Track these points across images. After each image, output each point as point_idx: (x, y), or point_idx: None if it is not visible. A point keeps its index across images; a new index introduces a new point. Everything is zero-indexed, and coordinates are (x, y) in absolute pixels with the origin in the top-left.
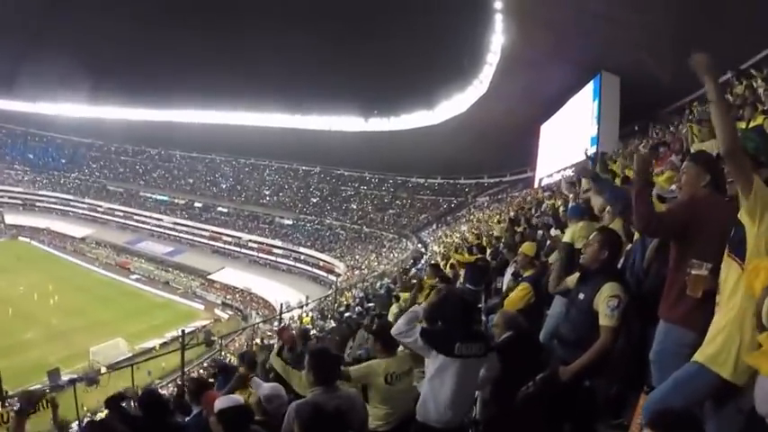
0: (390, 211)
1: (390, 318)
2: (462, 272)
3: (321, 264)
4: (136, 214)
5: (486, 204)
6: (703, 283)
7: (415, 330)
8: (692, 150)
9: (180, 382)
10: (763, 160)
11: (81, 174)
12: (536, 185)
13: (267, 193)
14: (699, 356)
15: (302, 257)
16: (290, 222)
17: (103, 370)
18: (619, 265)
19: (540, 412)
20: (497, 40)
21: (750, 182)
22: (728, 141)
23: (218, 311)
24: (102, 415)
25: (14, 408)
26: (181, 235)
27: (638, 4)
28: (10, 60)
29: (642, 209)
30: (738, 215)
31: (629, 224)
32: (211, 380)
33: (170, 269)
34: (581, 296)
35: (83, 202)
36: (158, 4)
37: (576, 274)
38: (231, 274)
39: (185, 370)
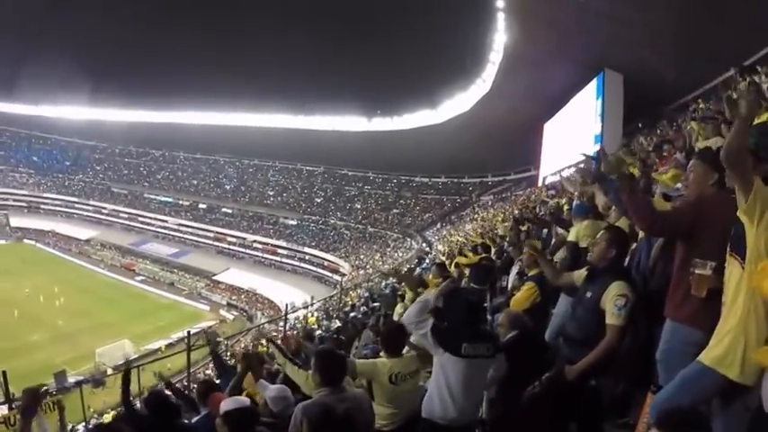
0: (394, 210)
1: (396, 317)
2: (467, 272)
3: (326, 264)
4: (140, 216)
5: (490, 203)
6: (707, 282)
7: (426, 324)
8: (695, 148)
9: (186, 383)
10: (763, 156)
11: (85, 176)
12: (540, 184)
13: (271, 193)
14: (705, 359)
15: (307, 258)
16: (294, 223)
17: (109, 371)
18: (625, 264)
19: (547, 412)
20: (500, 38)
21: (750, 182)
22: (738, 143)
23: (223, 312)
24: (108, 417)
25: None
26: (185, 236)
27: (641, 1)
28: (11, 63)
29: (638, 211)
30: (737, 213)
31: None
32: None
33: (175, 270)
34: (588, 294)
35: (87, 204)
36: (159, 6)
37: (583, 270)
38: (236, 275)
39: (191, 371)
